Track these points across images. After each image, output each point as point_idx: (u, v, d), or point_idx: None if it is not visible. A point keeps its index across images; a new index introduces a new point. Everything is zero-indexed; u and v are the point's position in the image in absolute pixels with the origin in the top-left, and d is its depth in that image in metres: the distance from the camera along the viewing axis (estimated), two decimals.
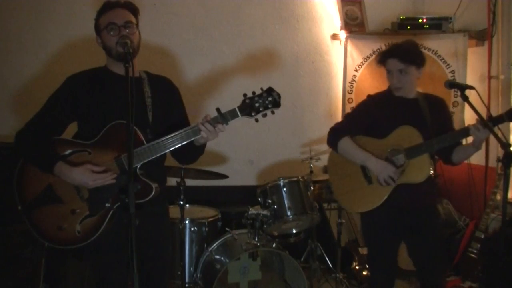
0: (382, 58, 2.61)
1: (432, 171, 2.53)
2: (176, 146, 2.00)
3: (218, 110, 2.01)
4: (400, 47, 2.57)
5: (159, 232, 2.21)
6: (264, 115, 2.02)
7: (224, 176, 3.38)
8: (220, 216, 3.51)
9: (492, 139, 2.80)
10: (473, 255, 3.63)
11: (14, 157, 2.09)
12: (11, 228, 2.98)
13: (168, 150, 2.02)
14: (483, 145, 2.60)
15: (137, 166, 1.98)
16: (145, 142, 2.00)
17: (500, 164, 3.53)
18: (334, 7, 4.44)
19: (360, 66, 4.39)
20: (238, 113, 1.99)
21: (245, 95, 2.01)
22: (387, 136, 2.57)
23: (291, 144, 4.43)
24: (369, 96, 2.76)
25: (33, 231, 2.04)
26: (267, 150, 4.37)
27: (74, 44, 3.85)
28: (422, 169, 2.50)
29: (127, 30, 2.02)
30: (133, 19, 2.07)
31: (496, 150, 3.91)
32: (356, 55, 4.38)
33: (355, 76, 4.40)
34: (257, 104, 1.99)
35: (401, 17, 4.28)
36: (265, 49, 4.33)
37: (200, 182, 3.56)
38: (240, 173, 4.22)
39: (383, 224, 2.60)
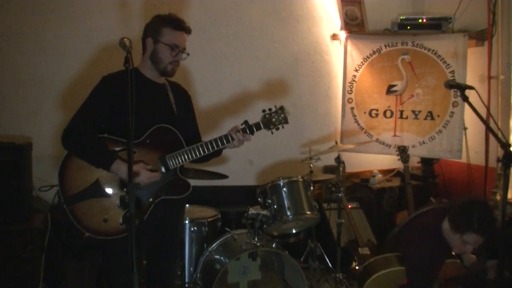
0: (466, 228, 2.49)
1: None
2: (210, 151, 2.28)
3: (246, 122, 2.33)
4: (493, 229, 2.49)
5: (177, 220, 2.55)
6: (277, 129, 2.37)
7: (224, 176, 3.38)
8: (220, 216, 3.51)
9: (492, 139, 2.80)
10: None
11: (70, 151, 2.17)
12: (11, 228, 2.98)
13: (203, 154, 2.27)
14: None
15: (179, 166, 2.25)
16: (185, 145, 2.26)
17: (500, 164, 3.52)
18: (334, 7, 4.44)
19: (360, 66, 4.40)
20: (262, 126, 2.35)
21: (264, 110, 2.37)
22: None
23: (291, 144, 4.43)
24: None
25: (75, 223, 2.17)
26: (267, 150, 4.36)
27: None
28: None
29: (183, 57, 2.30)
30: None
31: (496, 150, 3.90)
32: (356, 55, 4.39)
33: (355, 76, 4.41)
34: (273, 119, 2.35)
35: (401, 17, 4.28)
36: (265, 49, 4.33)
37: (200, 182, 3.55)
38: (240, 173, 4.22)
39: None
